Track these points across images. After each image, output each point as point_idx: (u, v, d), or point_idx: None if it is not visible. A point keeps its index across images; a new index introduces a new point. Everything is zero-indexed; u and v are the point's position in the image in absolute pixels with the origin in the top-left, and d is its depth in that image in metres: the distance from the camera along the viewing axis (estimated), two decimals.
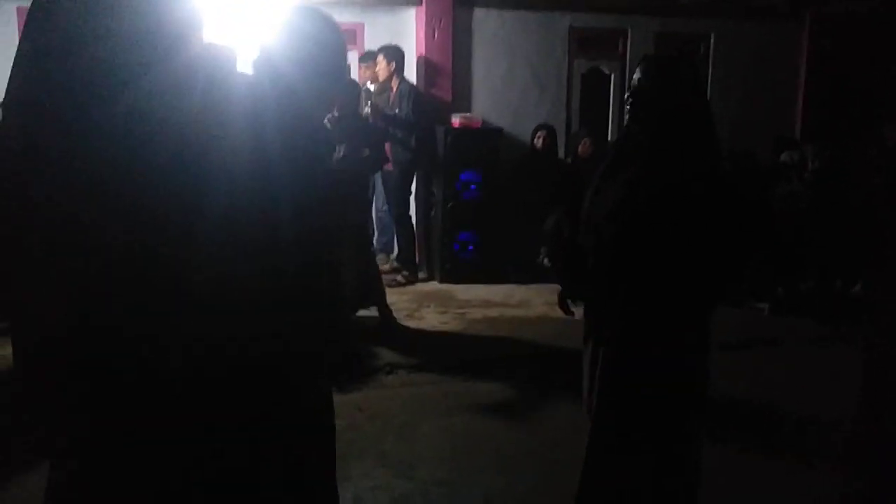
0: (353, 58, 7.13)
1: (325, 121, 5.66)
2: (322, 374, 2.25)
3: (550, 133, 7.32)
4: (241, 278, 2.05)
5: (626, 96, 2.66)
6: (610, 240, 2.56)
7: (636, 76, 2.58)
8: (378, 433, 4.10)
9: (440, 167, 7.11)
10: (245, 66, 2.29)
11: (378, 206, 7.61)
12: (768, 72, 8.38)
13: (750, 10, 8.13)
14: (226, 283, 2.02)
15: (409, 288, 6.90)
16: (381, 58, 6.89)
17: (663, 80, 2.53)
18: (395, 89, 6.95)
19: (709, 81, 8.34)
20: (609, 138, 8.12)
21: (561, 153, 7.66)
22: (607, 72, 8.13)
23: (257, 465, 2.07)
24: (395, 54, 6.91)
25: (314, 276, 2.17)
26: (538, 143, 7.29)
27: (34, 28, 1.89)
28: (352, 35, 7.48)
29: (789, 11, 8.34)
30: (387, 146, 6.78)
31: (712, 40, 8.28)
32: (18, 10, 6.81)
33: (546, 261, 7.05)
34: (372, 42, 7.31)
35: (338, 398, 2.35)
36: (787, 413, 4.39)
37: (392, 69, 6.87)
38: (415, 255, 7.17)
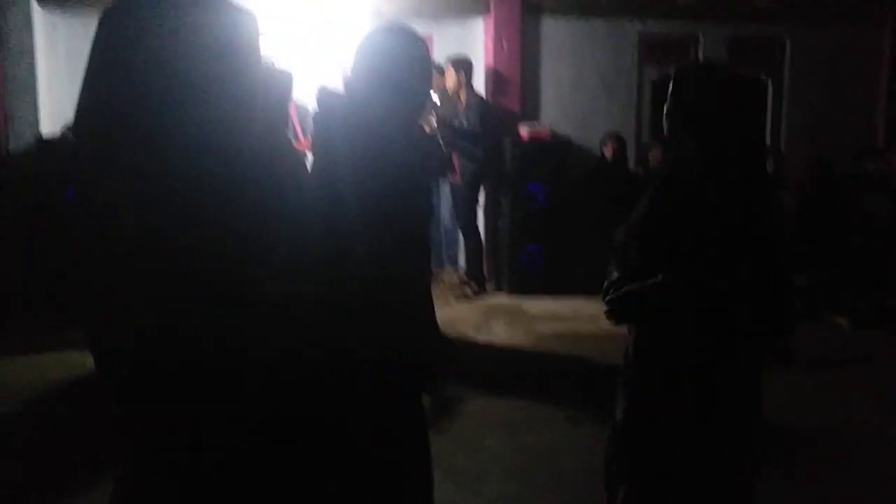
0: None
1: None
2: (393, 380, 2.24)
3: (619, 142, 7.19)
4: (310, 289, 2.07)
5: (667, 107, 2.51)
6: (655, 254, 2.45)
7: (692, 88, 2.45)
8: (446, 447, 4.05)
9: (507, 178, 7.06)
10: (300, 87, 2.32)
11: (445, 218, 7.60)
12: (848, 77, 8.08)
13: (828, 14, 7.85)
14: (296, 292, 2.04)
15: (478, 301, 6.87)
16: (450, 68, 6.88)
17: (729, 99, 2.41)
18: (463, 100, 6.93)
19: (784, 88, 8.10)
20: None
21: (631, 163, 7.53)
22: None
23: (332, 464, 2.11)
24: (464, 65, 6.89)
25: (382, 290, 2.17)
26: (607, 152, 7.17)
27: (109, 43, 1.92)
28: None
29: (870, 14, 8.03)
30: (454, 158, 6.80)
31: (788, 46, 8.02)
32: None
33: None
34: (440, 53, 7.31)
35: None
36: (870, 440, 4.19)
37: (461, 80, 6.86)
38: (482, 267, 7.13)
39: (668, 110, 2.48)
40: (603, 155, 7.21)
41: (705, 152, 2.36)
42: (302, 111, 6.17)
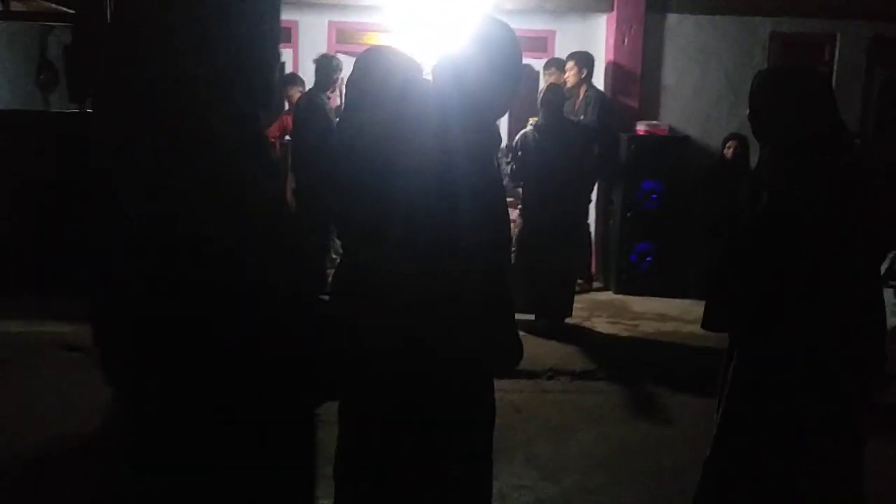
0: (538, 65, 7.21)
1: (530, 128, 5.84)
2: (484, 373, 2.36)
3: (742, 143, 6.97)
4: (421, 278, 2.18)
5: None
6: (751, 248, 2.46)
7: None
8: (532, 435, 4.14)
9: (621, 175, 7.01)
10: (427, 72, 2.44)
11: None
12: None
13: None
14: (407, 282, 2.17)
15: (583, 296, 6.85)
16: (571, 63, 6.89)
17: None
18: (581, 96, 6.93)
19: None
20: None
21: (753, 164, 7.28)
22: None
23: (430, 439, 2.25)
24: (585, 60, 6.88)
25: (490, 281, 2.26)
26: (728, 152, 6.98)
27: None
28: (542, 42, 7.56)
29: None
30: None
31: None
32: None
33: None
34: (562, 49, 7.34)
35: (497, 398, 2.43)
36: None
37: (583, 75, 6.86)
38: (590, 263, 7.11)
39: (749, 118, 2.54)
40: (724, 154, 7.03)
41: (779, 152, 2.36)
42: None
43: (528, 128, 5.94)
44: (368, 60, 2.90)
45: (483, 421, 2.39)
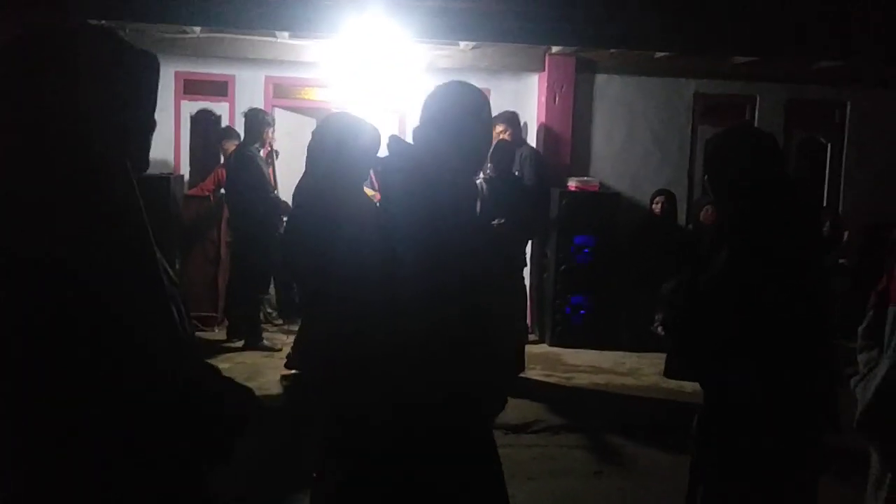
0: None
1: (480, 180, 5.93)
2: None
3: (669, 198, 7.22)
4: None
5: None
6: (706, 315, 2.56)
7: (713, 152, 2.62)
8: None
9: (554, 230, 7.15)
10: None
11: None
12: None
13: (889, 75, 7.75)
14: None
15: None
16: (502, 127, 7.05)
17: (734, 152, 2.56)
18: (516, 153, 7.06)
19: (844, 151, 8.02)
20: None
21: (682, 220, 7.53)
22: None
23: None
24: (513, 120, 7.06)
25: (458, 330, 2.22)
26: (656, 208, 7.20)
27: None
28: None
29: None
30: None
31: (848, 108, 7.96)
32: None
33: (660, 329, 6.89)
34: (497, 106, 7.50)
35: None
36: None
37: (509, 135, 7.02)
38: (526, 316, 7.19)
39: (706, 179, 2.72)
40: (652, 210, 7.25)
41: (740, 214, 2.51)
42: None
43: (478, 180, 6.04)
44: (320, 126, 3.14)
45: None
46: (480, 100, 2.39)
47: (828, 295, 2.64)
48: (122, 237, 1.29)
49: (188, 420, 1.32)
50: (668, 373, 2.86)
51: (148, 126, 1.41)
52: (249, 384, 5.80)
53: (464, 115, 2.33)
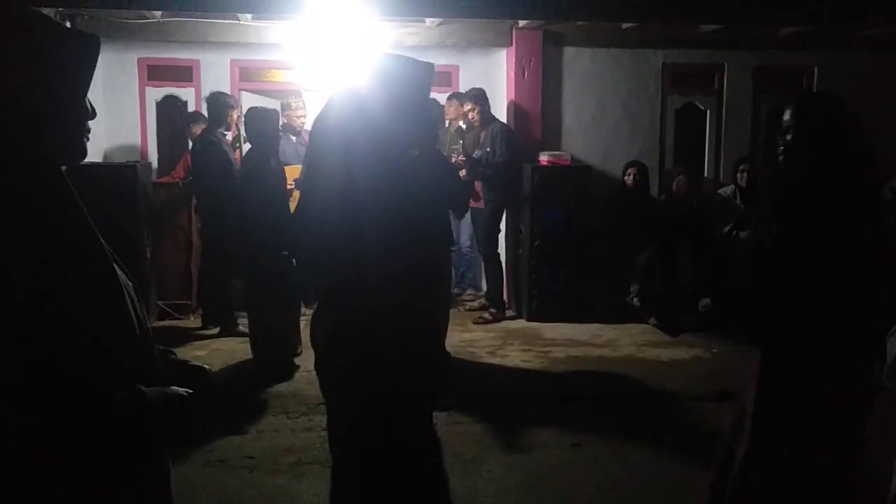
0: (443, 99, 7.31)
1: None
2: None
3: (641, 170, 7.22)
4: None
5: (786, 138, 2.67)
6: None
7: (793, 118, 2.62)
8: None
9: (527, 205, 7.14)
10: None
11: (466, 244, 7.72)
12: (878, 105, 7.96)
13: (857, 40, 7.79)
14: None
15: (496, 325, 6.93)
16: (471, 105, 7.01)
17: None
18: (484, 130, 7.04)
19: None
20: (705, 175, 7.93)
21: (654, 190, 7.54)
22: (703, 108, 7.98)
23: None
24: (482, 97, 7.02)
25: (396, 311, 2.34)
26: (628, 180, 7.20)
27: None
28: (447, 77, 7.68)
29: None
30: (477, 185, 6.90)
31: (816, 74, 7.98)
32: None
33: (636, 300, 6.93)
34: (466, 83, 7.49)
35: None
36: None
37: (478, 113, 6.98)
38: (503, 292, 7.20)
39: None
40: (624, 182, 7.25)
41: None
42: None
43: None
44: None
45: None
46: (416, 71, 2.42)
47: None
48: (51, 227, 1.25)
49: (135, 408, 1.30)
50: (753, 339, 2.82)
51: (75, 111, 1.34)
52: (226, 370, 5.75)
53: (399, 88, 2.39)
